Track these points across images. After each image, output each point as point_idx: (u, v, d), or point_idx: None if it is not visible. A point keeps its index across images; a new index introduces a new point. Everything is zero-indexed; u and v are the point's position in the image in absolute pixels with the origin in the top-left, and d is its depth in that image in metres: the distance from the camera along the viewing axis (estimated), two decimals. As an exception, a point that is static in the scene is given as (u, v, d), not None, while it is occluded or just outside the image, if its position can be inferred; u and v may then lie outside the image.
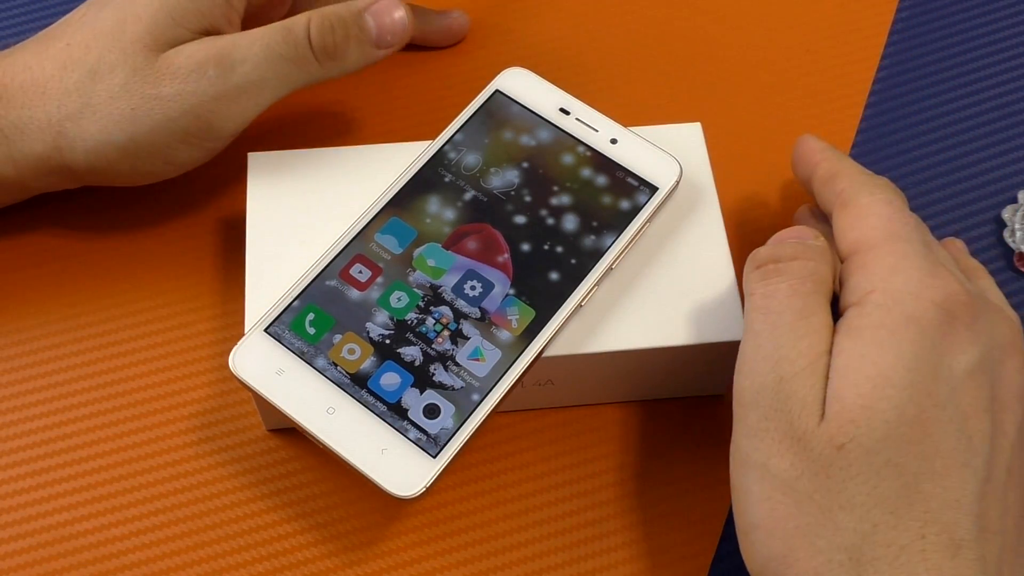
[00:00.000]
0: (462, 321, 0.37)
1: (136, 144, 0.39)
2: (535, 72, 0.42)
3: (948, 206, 0.47)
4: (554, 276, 0.38)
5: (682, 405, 0.41)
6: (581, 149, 0.40)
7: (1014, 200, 0.47)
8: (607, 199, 0.39)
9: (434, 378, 0.36)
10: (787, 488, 0.32)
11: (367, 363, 0.36)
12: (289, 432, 0.40)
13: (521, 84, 0.42)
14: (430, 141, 0.41)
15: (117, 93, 0.39)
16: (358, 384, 0.36)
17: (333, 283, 0.38)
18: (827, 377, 0.33)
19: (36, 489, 0.39)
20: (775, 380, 0.33)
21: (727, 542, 0.39)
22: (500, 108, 0.41)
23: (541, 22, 0.51)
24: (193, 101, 0.39)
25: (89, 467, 0.40)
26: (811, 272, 0.34)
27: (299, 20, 0.40)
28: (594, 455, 0.40)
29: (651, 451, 0.41)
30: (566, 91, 0.42)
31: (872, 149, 0.48)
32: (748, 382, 0.33)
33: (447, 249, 0.38)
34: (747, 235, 0.45)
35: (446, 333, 0.37)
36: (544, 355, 0.37)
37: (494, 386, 0.36)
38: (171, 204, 0.45)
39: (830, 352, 0.33)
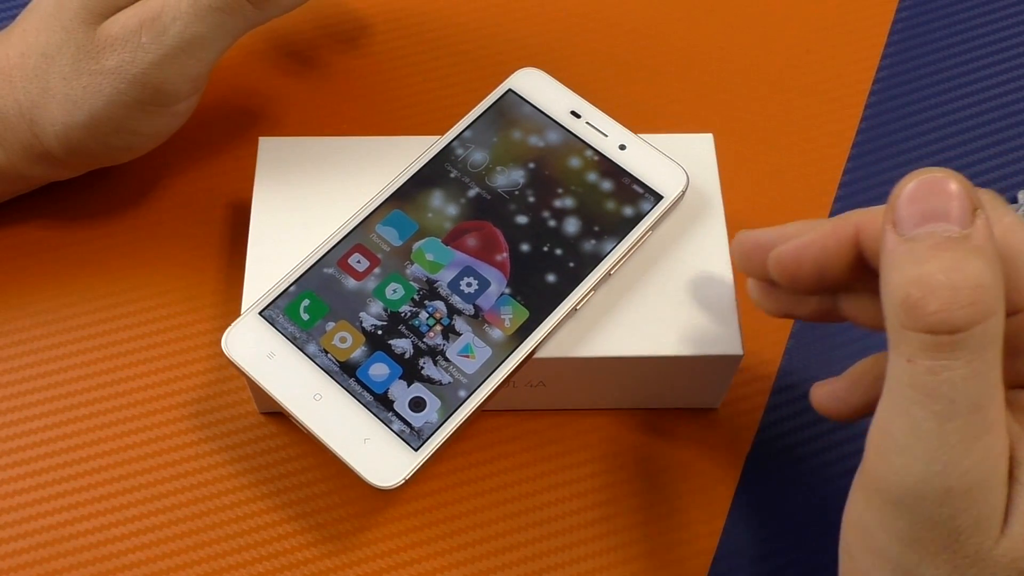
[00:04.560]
0: (455, 317, 0.37)
1: (97, 121, 0.39)
2: (551, 74, 0.42)
3: (948, 205, 0.47)
4: (551, 278, 0.38)
5: (678, 414, 0.41)
6: (589, 153, 0.40)
7: (1014, 200, 0.47)
8: (611, 204, 0.39)
9: (422, 372, 0.36)
10: None
11: (357, 352, 0.36)
12: (283, 415, 0.41)
13: (534, 85, 0.42)
14: (439, 136, 0.41)
15: (68, 74, 0.39)
16: (347, 372, 0.36)
17: (331, 271, 0.38)
18: (1006, 482, 0.27)
19: (33, 475, 0.40)
20: (940, 490, 0.26)
21: (727, 542, 0.39)
22: (511, 107, 0.41)
23: (551, 24, 0.51)
24: (134, 71, 0.39)
25: (87, 453, 0.40)
26: (992, 340, 0.26)
27: None
28: (594, 455, 0.40)
29: (651, 451, 0.40)
30: (580, 94, 0.42)
31: (872, 149, 0.48)
32: (899, 479, 0.27)
33: (447, 244, 0.38)
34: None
35: (438, 328, 0.37)
36: (535, 356, 0.37)
37: (481, 384, 0.36)
38: (179, 186, 0.46)
39: (1008, 449, 0.27)
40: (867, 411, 0.32)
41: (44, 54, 0.39)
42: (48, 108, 0.39)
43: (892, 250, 0.27)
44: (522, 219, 0.39)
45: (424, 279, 0.38)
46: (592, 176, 0.40)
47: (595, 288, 0.38)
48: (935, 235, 0.26)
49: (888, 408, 0.27)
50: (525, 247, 0.38)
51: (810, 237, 0.31)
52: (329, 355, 0.36)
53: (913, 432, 0.26)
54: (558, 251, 0.38)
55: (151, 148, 0.42)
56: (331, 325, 0.37)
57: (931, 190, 0.27)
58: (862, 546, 0.29)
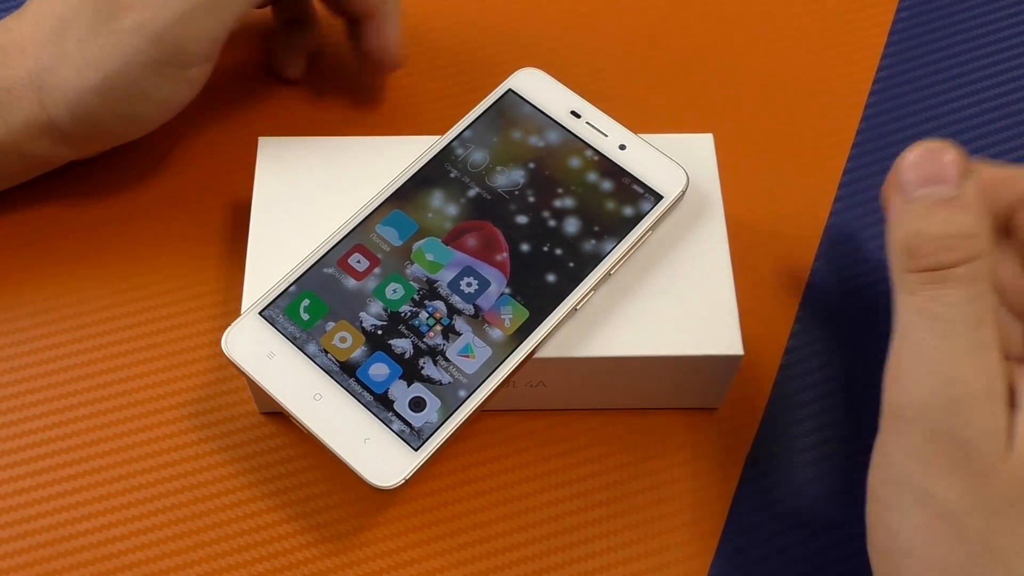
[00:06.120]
0: (455, 317, 0.37)
1: (111, 83, 0.39)
2: (551, 74, 0.42)
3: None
4: (551, 278, 0.38)
5: (678, 414, 0.41)
6: (589, 153, 0.40)
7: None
8: (611, 204, 0.39)
9: (422, 372, 0.36)
10: (953, 521, 0.29)
11: (357, 352, 0.36)
12: (283, 415, 0.41)
13: (534, 84, 0.42)
14: (439, 136, 0.41)
15: (85, 35, 0.39)
16: (347, 372, 0.36)
17: (331, 271, 0.38)
18: (1008, 402, 0.29)
19: (33, 475, 0.40)
20: (947, 401, 0.29)
21: (727, 542, 0.39)
22: (511, 107, 0.41)
23: (551, 24, 0.51)
24: (155, 27, 0.39)
25: (87, 453, 0.40)
26: (980, 276, 0.30)
27: None
28: (594, 455, 0.40)
29: (651, 451, 0.40)
30: (580, 94, 0.42)
31: (872, 149, 0.48)
32: (909, 397, 0.30)
33: (447, 244, 0.38)
34: (751, 246, 0.45)
35: (438, 328, 0.37)
36: (535, 356, 0.37)
37: (481, 384, 0.36)
38: (179, 186, 0.46)
39: (1005, 370, 0.30)
40: None
41: (60, 19, 0.40)
42: (61, 73, 0.39)
43: (897, 210, 0.32)
44: (522, 219, 0.39)
45: (424, 279, 0.38)
46: (592, 176, 0.40)
47: (595, 288, 0.38)
48: (932, 196, 0.31)
49: (899, 340, 0.31)
50: (525, 247, 0.38)
51: None
52: (329, 355, 0.36)
53: (919, 353, 0.30)
54: (558, 251, 0.38)
55: (159, 123, 0.42)
56: (331, 325, 0.37)
57: (930, 158, 0.31)
58: (883, 477, 0.31)
